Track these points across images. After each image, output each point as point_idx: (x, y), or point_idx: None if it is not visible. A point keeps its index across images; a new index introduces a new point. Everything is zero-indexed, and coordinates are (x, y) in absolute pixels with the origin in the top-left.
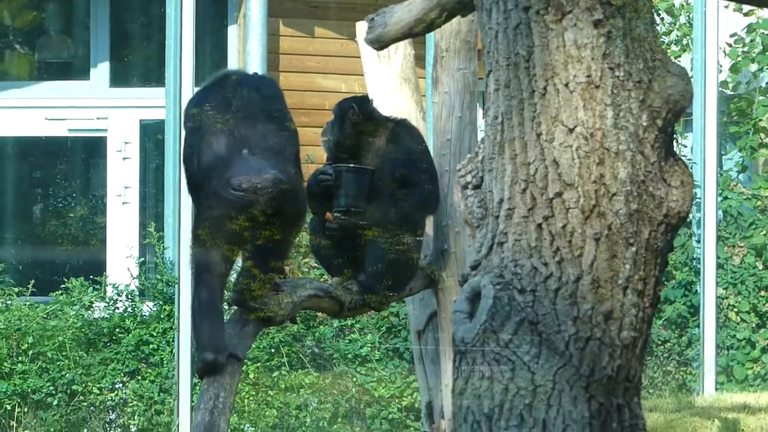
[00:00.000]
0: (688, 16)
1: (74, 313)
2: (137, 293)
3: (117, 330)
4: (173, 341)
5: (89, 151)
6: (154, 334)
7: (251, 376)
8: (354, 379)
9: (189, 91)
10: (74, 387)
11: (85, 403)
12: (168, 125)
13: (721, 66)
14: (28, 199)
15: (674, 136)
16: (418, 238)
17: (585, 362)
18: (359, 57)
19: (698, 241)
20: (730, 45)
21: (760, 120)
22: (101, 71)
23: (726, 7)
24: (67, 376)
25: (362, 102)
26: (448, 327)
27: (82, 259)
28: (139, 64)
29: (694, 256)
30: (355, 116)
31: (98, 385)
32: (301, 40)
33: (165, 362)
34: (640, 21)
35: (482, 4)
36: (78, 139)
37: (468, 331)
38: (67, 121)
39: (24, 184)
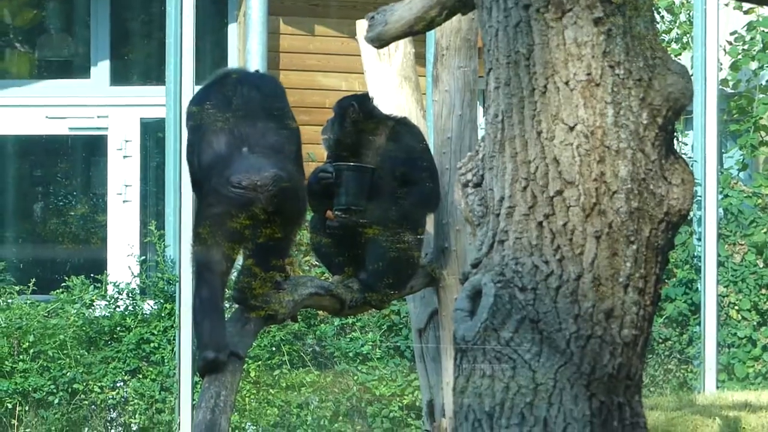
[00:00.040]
0: (689, 14)
1: (75, 311)
2: (138, 291)
3: (118, 328)
4: (174, 340)
5: (90, 150)
6: (155, 332)
7: (252, 374)
8: (355, 378)
9: (189, 89)
10: (75, 385)
11: (86, 402)
12: (168, 123)
13: (721, 64)
14: (28, 198)
15: (675, 134)
16: (418, 237)
17: (586, 360)
18: (359, 55)
19: (699, 239)
20: (730, 43)
21: (761, 118)
22: (102, 69)
23: (726, 5)
24: (68, 374)
25: (362, 100)
26: (449, 325)
27: (83, 258)
28: (139, 62)
29: (695, 254)
30: (356, 114)
31: (99, 384)
32: (302, 39)
33: (166, 361)
34: (640, 19)
35: (482, 2)
36: (78, 137)
37: (469, 330)
38: (67, 119)
39: (25, 183)
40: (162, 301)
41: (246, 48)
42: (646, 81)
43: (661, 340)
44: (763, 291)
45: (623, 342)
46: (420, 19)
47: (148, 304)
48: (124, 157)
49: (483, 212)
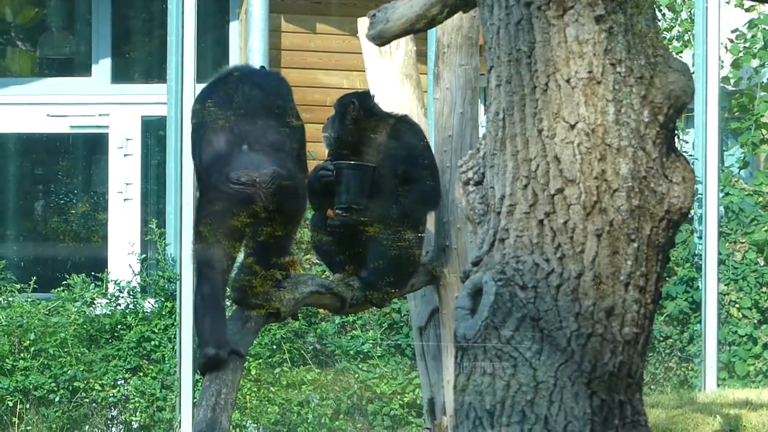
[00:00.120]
0: (690, 11)
1: (76, 309)
2: (139, 290)
3: (119, 326)
4: (175, 338)
5: (91, 148)
6: (156, 330)
7: (253, 372)
8: (356, 376)
9: (191, 87)
10: (76, 383)
11: (86, 400)
12: (169, 121)
13: (722, 62)
14: (29, 196)
15: (675, 132)
16: (419, 235)
17: (587, 358)
18: (361, 53)
19: (700, 237)
20: (731, 41)
21: (762, 116)
22: (103, 67)
23: (727, 2)
24: (68, 372)
25: (363, 97)
26: (450, 323)
27: (84, 256)
28: (140, 60)
29: (696, 252)
30: (356, 111)
31: (100, 382)
32: (303, 36)
33: (167, 359)
34: (642, 17)
35: (483, 0)
36: (79, 135)
37: (470, 328)
38: (68, 117)
39: (25, 181)
40: (163, 299)
41: (247, 46)
42: (648, 79)
43: (661, 338)
44: (764, 289)
45: (624, 340)
46: (421, 16)
47: (149, 302)
48: (125, 155)
49: (484, 210)
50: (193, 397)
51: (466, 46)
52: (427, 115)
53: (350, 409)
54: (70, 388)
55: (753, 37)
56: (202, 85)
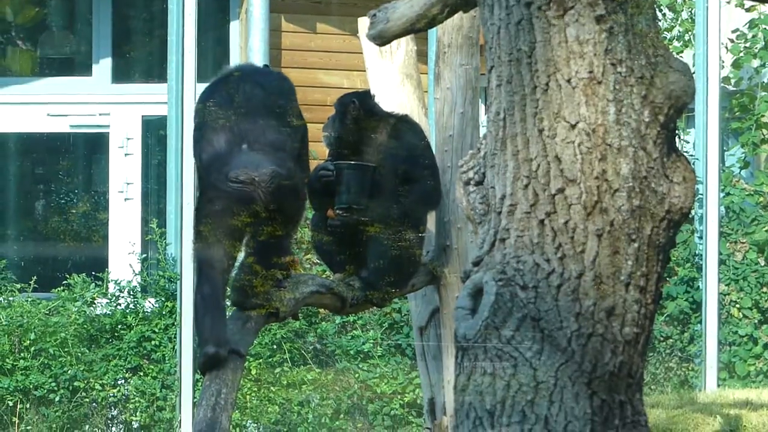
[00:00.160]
0: (690, 11)
1: (76, 309)
2: (139, 289)
3: (119, 326)
4: (175, 337)
5: (91, 147)
6: (156, 330)
7: (253, 372)
8: (356, 376)
9: (191, 87)
10: (76, 383)
11: (87, 400)
12: (170, 121)
13: (723, 62)
14: (30, 196)
15: (676, 132)
16: (420, 235)
17: (587, 358)
18: (361, 53)
19: (700, 238)
20: (732, 41)
21: (763, 116)
22: (103, 67)
23: (728, 2)
24: (68, 372)
25: (363, 97)
26: (450, 323)
27: (84, 256)
28: (141, 59)
29: (696, 252)
30: (356, 111)
31: (100, 382)
32: (303, 36)
33: (167, 358)
34: (642, 17)
35: None
36: (80, 135)
37: (470, 328)
38: (69, 117)
39: (26, 181)
40: (163, 299)
41: (248, 45)
42: (648, 79)
43: (662, 339)
44: (765, 289)
45: (624, 340)
46: (422, 16)
47: (149, 302)
48: (126, 154)
49: (484, 210)
50: (194, 397)
51: (466, 45)
52: (427, 115)
53: (350, 409)
54: (71, 387)
55: (753, 37)
56: (203, 85)
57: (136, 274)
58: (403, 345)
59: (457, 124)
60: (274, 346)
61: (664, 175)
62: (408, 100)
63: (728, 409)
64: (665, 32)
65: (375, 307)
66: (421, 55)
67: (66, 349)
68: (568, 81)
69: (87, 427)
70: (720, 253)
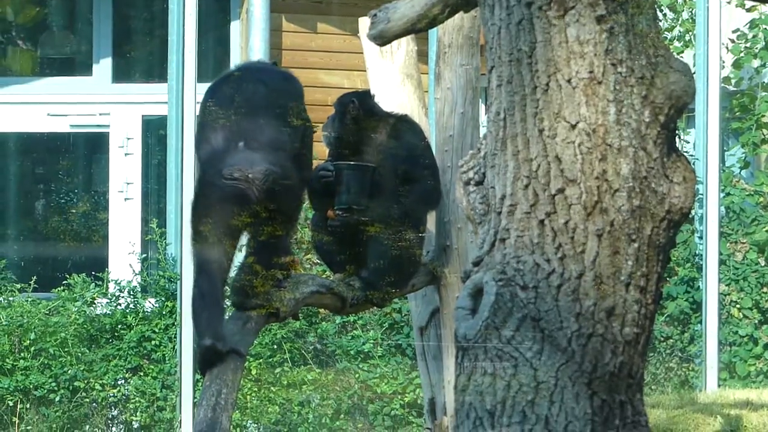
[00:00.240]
0: (691, 11)
1: (76, 309)
2: (139, 289)
3: (119, 326)
4: (175, 337)
5: (91, 147)
6: (156, 330)
7: (253, 372)
8: (356, 376)
9: (191, 87)
10: (76, 383)
11: (87, 400)
12: (170, 121)
13: (723, 62)
14: (30, 196)
15: (676, 132)
16: (420, 235)
17: (587, 359)
18: (362, 53)
19: (700, 238)
20: (732, 41)
21: (763, 116)
22: (104, 67)
23: (728, 2)
24: (69, 372)
25: (363, 97)
26: (451, 323)
27: (84, 256)
28: (141, 59)
29: (697, 252)
30: (356, 111)
31: (100, 382)
32: (304, 36)
33: (167, 358)
34: (643, 17)
35: (485, 0)
36: (80, 134)
37: (470, 328)
38: (69, 116)
39: (26, 180)
40: (163, 298)
41: (248, 45)
42: (649, 79)
43: (662, 339)
44: (765, 289)
45: (624, 340)
46: (422, 16)
47: (150, 302)
48: (126, 154)
49: (484, 210)
50: (194, 397)
51: (467, 46)
52: (428, 115)
53: (351, 409)
54: (71, 387)
55: (754, 37)
56: (203, 85)
57: (136, 274)
58: (404, 345)
59: (457, 124)
60: (275, 346)
61: (665, 175)
62: (408, 100)
63: (728, 409)
64: (666, 32)
65: (375, 307)
66: (422, 55)
67: (66, 349)
68: (569, 81)
69: (87, 427)
70: (720, 253)
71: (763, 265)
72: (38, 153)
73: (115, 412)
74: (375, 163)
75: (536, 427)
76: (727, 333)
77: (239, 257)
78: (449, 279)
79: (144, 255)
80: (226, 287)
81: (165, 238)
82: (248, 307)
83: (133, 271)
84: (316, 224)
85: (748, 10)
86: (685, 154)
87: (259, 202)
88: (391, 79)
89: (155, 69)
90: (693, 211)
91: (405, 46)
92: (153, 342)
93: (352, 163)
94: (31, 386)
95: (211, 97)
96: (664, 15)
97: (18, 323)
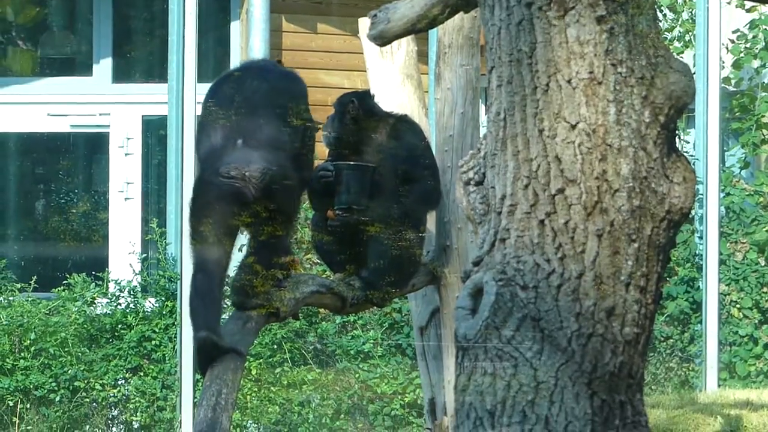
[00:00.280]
0: (691, 12)
1: (76, 309)
2: (139, 289)
3: (119, 326)
4: (175, 337)
5: (91, 147)
6: (157, 330)
7: (253, 372)
8: (356, 376)
9: (191, 87)
10: (76, 383)
11: (87, 400)
12: (170, 121)
13: (723, 62)
14: (30, 196)
15: (676, 132)
16: (420, 234)
17: (587, 359)
18: (362, 53)
19: (700, 238)
20: (732, 41)
21: (763, 116)
22: (104, 67)
23: (728, 2)
24: (69, 372)
25: (363, 96)
26: (451, 323)
27: (85, 255)
28: (141, 59)
29: (697, 252)
30: (355, 111)
31: (100, 382)
32: (304, 36)
33: (167, 358)
34: (643, 17)
35: (485, 0)
36: (80, 134)
37: (470, 328)
38: (69, 116)
39: (26, 180)
40: (163, 298)
41: (248, 46)
42: (649, 79)
43: (662, 339)
44: (765, 289)
45: (625, 340)
46: (422, 17)
47: (150, 301)
48: (126, 154)
49: (484, 210)
50: (194, 397)
51: (467, 46)
52: (428, 115)
53: (351, 409)
54: (71, 387)
55: (754, 37)
56: (203, 85)
57: (136, 274)
58: (404, 345)
59: (457, 124)
60: (275, 346)
61: (665, 175)
62: (408, 100)
63: (729, 409)
64: (666, 33)
65: (375, 307)
66: (422, 56)
67: (66, 349)
68: (569, 81)
69: (87, 427)
70: (720, 253)
71: (763, 265)
72: (38, 153)
73: (115, 412)
74: (375, 163)
75: (536, 427)
76: (727, 333)
77: (239, 257)
78: (449, 279)
79: (144, 255)
80: (226, 287)
81: (165, 238)
82: (248, 306)
83: (134, 270)
84: (316, 224)
85: (748, 11)
86: (685, 154)
87: (255, 200)
88: (391, 79)
89: (155, 69)
90: (693, 211)
91: (405, 46)
92: (153, 342)
93: (352, 163)
94: (32, 386)
95: (213, 95)
96: (664, 15)
97: (18, 323)
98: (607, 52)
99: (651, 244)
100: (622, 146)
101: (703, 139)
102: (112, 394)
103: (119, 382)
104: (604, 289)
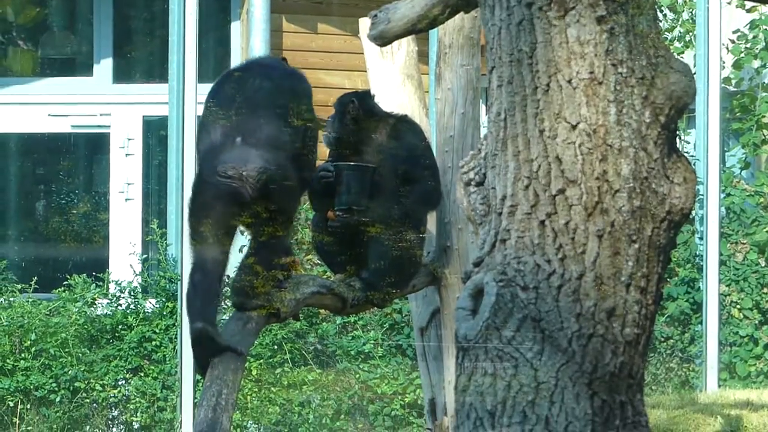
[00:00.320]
0: (691, 12)
1: (77, 309)
2: (140, 290)
3: (120, 327)
4: (176, 338)
5: (92, 148)
6: (157, 330)
7: (254, 372)
8: (357, 376)
9: (192, 87)
10: (77, 384)
11: (87, 400)
12: (171, 121)
13: (723, 62)
14: (30, 196)
15: (677, 132)
16: (420, 235)
17: (588, 359)
18: (362, 53)
19: (701, 238)
20: (732, 41)
21: (763, 116)
22: (104, 67)
23: (729, 3)
24: (69, 372)
25: (363, 97)
26: (451, 324)
27: (85, 256)
28: (142, 60)
29: (697, 252)
30: (355, 111)
31: (101, 382)
32: (304, 36)
33: (168, 359)
34: (643, 17)
35: (485, 0)
36: (81, 135)
37: (471, 328)
38: (70, 117)
39: (27, 181)
40: (164, 299)
41: (249, 46)
42: (649, 79)
43: (662, 339)
44: (765, 290)
45: (625, 341)
46: (423, 17)
47: (150, 302)
48: (127, 155)
49: (485, 211)
50: (194, 398)
51: (467, 46)
52: (428, 116)
53: (351, 410)
54: (71, 388)
55: (754, 37)
56: (204, 86)
57: (136, 275)
58: (404, 345)
59: (457, 124)
60: (275, 347)
61: (665, 175)
62: (409, 100)
63: (729, 409)
64: (666, 33)
65: (376, 308)
66: (422, 56)
67: (67, 350)
68: (569, 81)
69: (88, 427)
70: (720, 254)
71: (763, 265)
72: (39, 153)
73: (115, 413)
74: (375, 164)
75: (536, 427)
76: (728, 333)
77: (239, 258)
78: (450, 280)
79: (144, 255)
80: (226, 287)
81: (165, 239)
82: (249, 307)
83: (134, 271)
84: (317, 225)
85: (748, 11)
86: (685, 154)
87: (253, 200)
88: (392, 79)
89: (156, 69)
90: (693, 212)
91: (405, 46)
92: (153, 342)
93: (352, 163)
94: (32, 387)
95: (215, 93)
96: (665, 15)
97: (19, 324)
98: (607, 52)
99: (651, 244)
100: (622, 146)
101: (703, 139)
102: (112, 395)
103: (119, 383)
104: (605, 289)
